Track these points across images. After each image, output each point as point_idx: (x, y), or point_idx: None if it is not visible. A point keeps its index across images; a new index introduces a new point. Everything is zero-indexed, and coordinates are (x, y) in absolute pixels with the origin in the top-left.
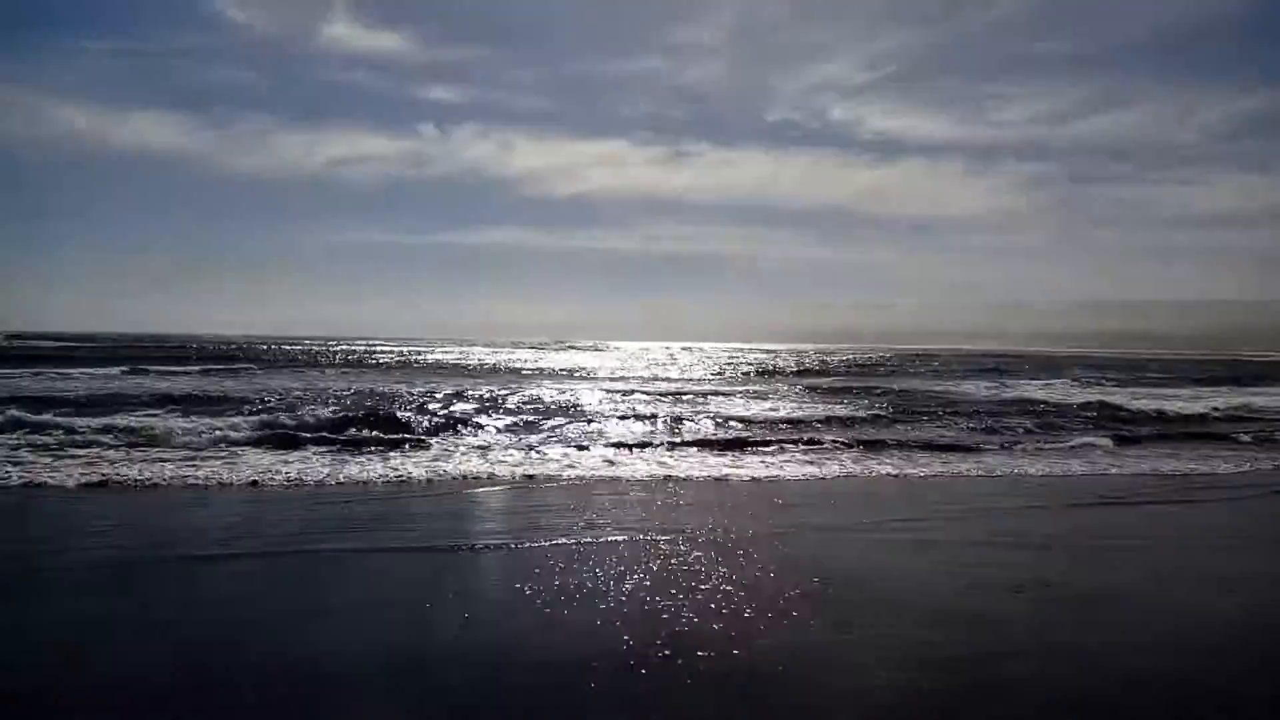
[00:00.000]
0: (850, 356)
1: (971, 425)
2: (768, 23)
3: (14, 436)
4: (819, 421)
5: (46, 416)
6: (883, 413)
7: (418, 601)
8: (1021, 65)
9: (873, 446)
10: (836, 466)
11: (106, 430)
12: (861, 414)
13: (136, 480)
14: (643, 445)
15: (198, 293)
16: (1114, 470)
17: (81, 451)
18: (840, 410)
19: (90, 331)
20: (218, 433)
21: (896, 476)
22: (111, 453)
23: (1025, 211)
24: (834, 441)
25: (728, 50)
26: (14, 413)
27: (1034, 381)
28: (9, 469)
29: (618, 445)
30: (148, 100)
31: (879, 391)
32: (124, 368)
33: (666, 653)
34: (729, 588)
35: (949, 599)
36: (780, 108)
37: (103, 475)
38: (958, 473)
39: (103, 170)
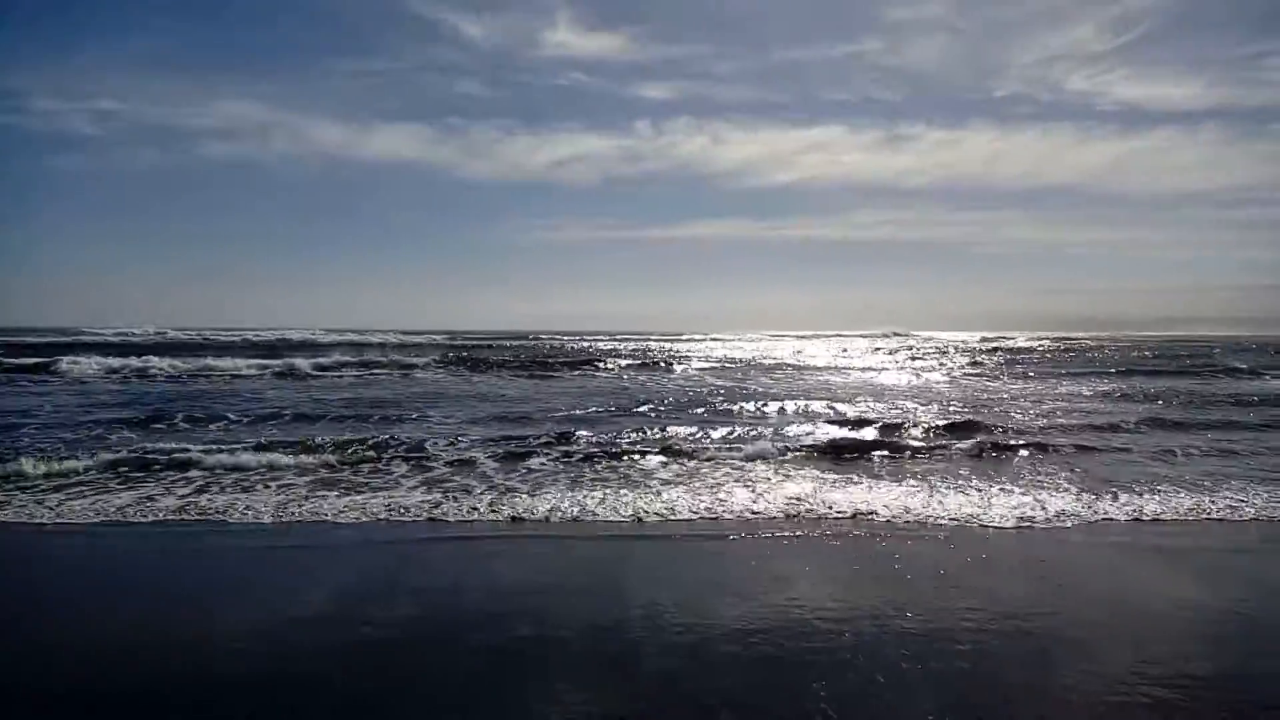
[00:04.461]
0: (1104, 345)
1: None
2: None
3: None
4: None
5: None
6: None
7: None
8: None
9: None
10: None
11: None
12: None
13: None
14: None
15: (438, 290)
16: None
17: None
18: None
19: (408, 328)
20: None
21: None
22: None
23: None
24: None
25: (951, 24)
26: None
27: None
28: None
29: None
30: (391, 114)
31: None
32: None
33: None
34: None
35: None
36: (1010, 81)
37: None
38: None
39: (350, 180)
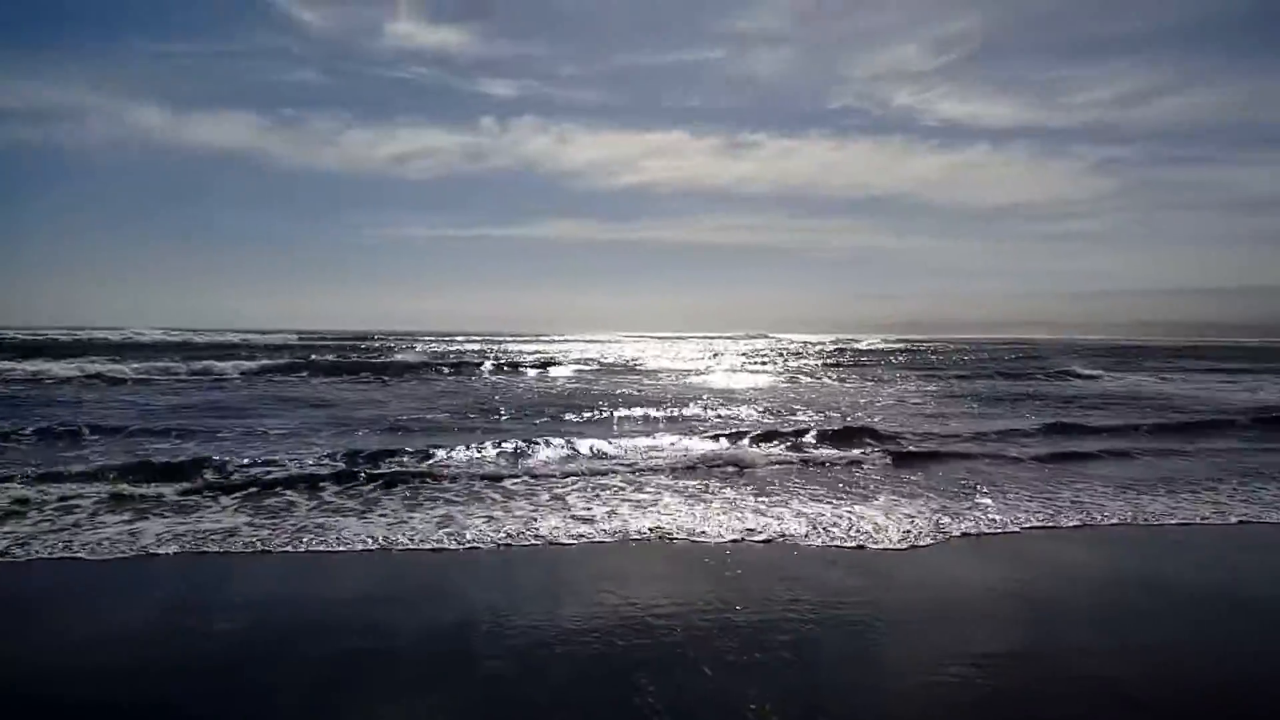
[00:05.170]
0: (934, 347)
1: None
2: (832, 7)
3: None
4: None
5: None
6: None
7: None
8: (1094, 46)
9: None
10: None
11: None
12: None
13: None
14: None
15: (259, 287)
16: None
17: None
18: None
19: (248, 327)
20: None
21: None
22: None
23: (1098, 197)
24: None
25: (790, 37)
26: None
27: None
28: None
29: None
30: (220, 100)
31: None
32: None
33: None
34: None
35: None
36: (843, 95)
37: None
38: None
39: (174, 169)
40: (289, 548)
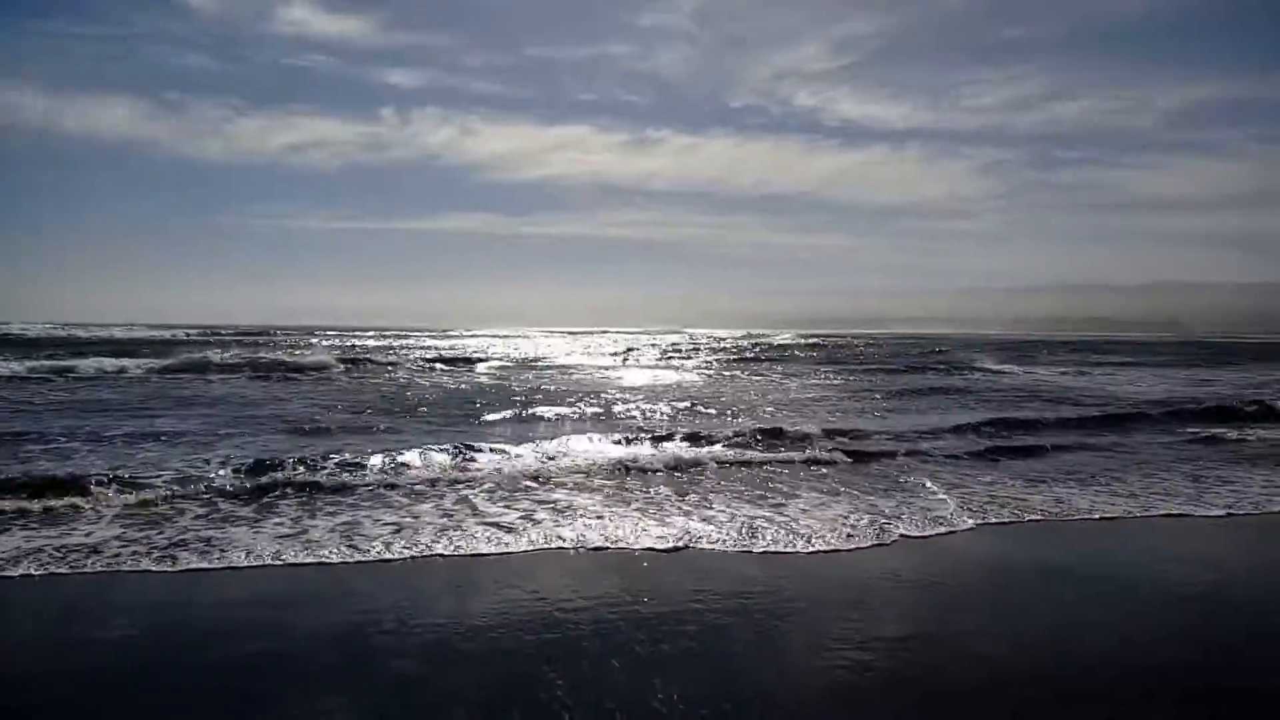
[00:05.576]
0: (828, 340)
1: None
2: (734, 6)
3: None
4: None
5: None
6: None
7: None
8: (985, 52)
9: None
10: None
11: None
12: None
13: None
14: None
15: (146, 281)
16: None
17: None
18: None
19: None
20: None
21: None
22: None
23: (986, 197)
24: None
25: (693, 36)
26: None
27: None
28: None
29: None
30: (102, 84)
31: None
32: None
33: None
34: None
35: None
36: (745, 94)
37: None
38: None
39: (52, 155)
40: (167, 563)
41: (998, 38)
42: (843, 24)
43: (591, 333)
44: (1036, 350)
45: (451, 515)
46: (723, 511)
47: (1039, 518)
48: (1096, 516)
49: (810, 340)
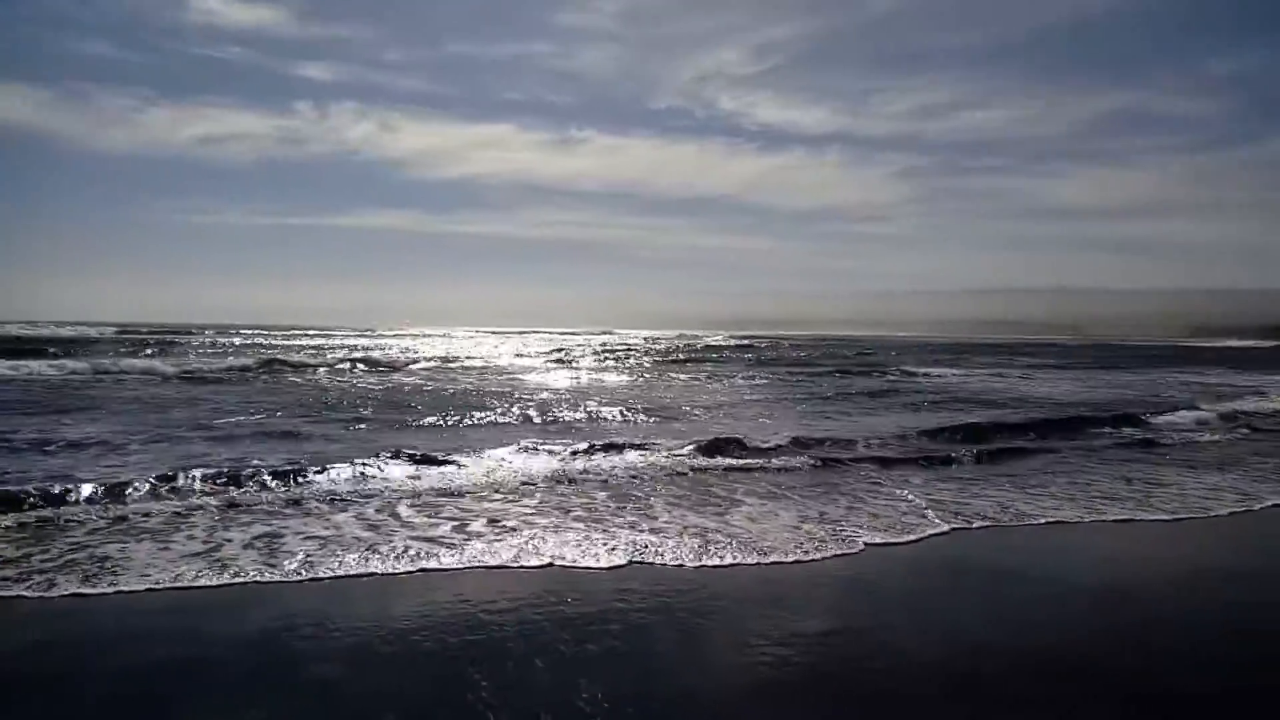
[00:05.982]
0: (756, 342)
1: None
2: (656, 8)
3: None
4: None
5: None
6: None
7: None
8: (901, 60)
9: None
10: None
11: None
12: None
13: None
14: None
15: (53, 276)
16: None
17: None
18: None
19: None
20: None
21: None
22: None
23: (900, 202)
24: None
25: (616, 36)
26: None
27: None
28: None
29: None
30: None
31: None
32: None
33: None
34: None
35: None
36: (669, 95)
37: None
38: None
39: None
40: (64, 584)
41: (916, 45)
42: (763, 30)
43: (522, 333)
44: (955, 352)
45: (378, 528)
46: (665, 516)
47: (988, 523)
48: (1042, 521)
49: (740, 342)
